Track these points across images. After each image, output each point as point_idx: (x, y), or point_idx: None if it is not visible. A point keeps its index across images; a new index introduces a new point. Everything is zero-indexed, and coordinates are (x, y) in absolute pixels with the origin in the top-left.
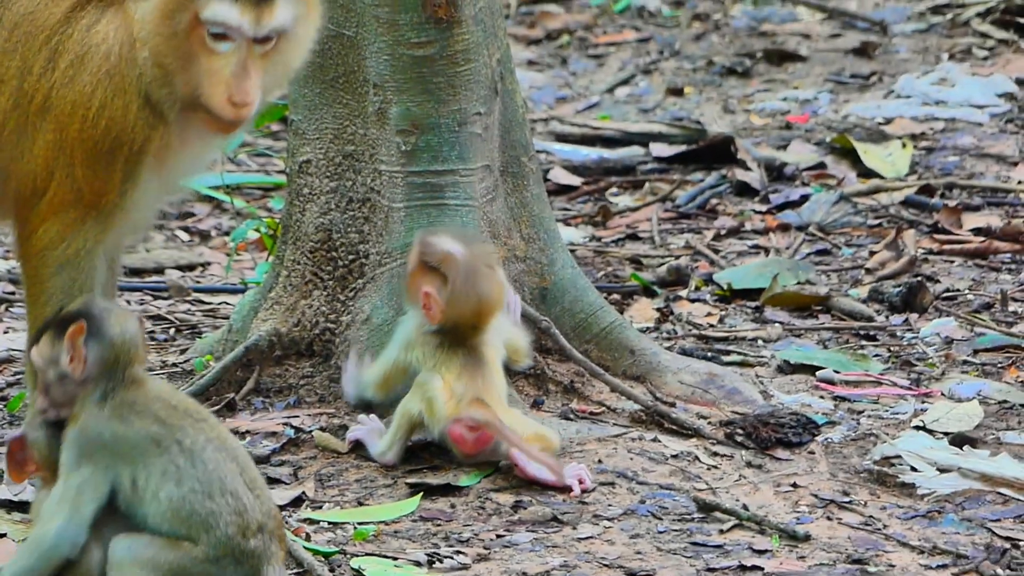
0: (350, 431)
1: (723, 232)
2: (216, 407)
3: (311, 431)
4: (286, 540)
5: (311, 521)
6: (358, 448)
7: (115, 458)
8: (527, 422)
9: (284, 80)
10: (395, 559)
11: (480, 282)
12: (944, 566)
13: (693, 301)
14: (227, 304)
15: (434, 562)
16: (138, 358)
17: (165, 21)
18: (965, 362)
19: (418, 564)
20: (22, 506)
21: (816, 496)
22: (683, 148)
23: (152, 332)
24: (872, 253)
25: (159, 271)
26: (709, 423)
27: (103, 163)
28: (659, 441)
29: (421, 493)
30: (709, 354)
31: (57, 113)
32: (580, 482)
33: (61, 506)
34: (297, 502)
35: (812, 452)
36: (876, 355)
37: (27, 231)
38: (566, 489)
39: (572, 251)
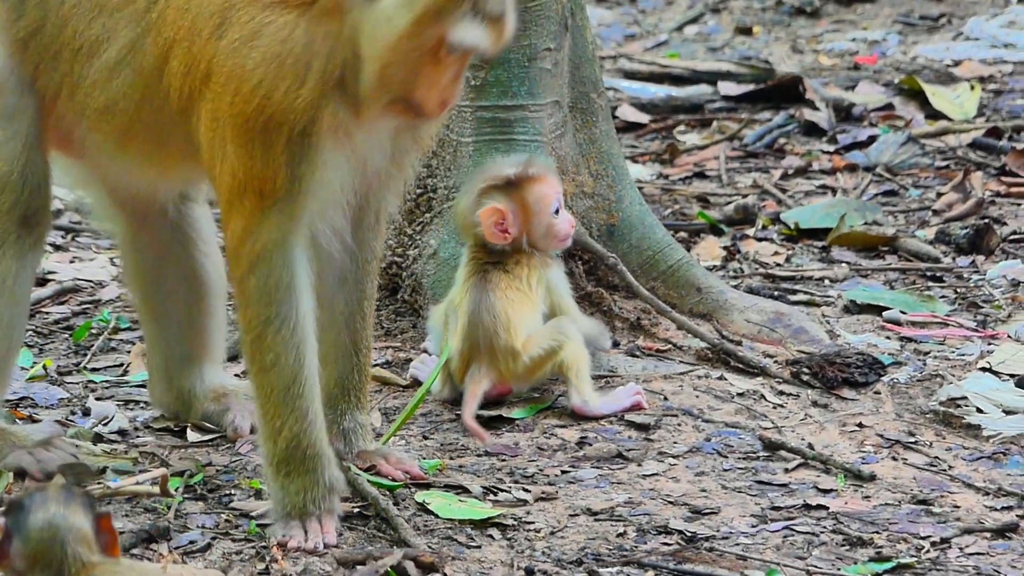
0: (411, 367)
1: (790, 171)
2: None
3: (376, 364)
4: None
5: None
6: (419, 384)
7: None
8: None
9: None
10: (459, 493)
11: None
12: (1009, 508)
13: (760, 240)
14: None
15: (498, 497)
16: (76, 548)
17: (409, 40)
18: None
19: (482, 499)
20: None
21: (881, 436)
22: (751, 87)
23: None
24: (939, 194)
25: None
26: (775, 362)
27: (258, 144)
28: (725, 379)
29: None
30: (776, 293)
31: (213, 83)
32: (638, 404)
33: None
34: None
35: (878, 392)
36: (943, 296)
37: (224, 227)
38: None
39: (640, 188)
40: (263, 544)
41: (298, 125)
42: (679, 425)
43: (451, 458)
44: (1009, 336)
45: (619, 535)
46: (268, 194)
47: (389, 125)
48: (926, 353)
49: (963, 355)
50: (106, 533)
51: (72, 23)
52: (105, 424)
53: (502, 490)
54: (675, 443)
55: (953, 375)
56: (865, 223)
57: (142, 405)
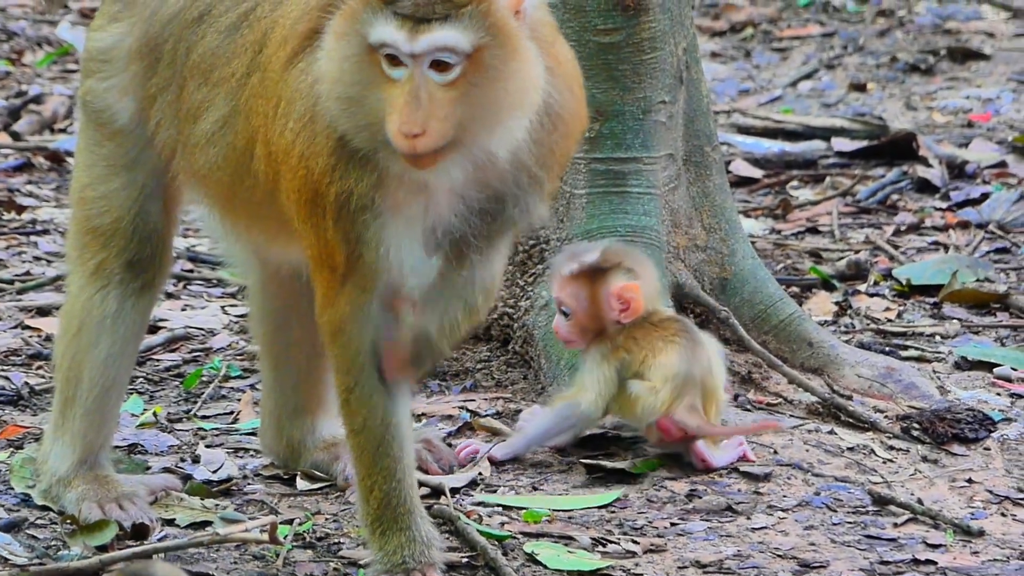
0: (521, 418)
1: (903, 228)
2: None
3: (487, 415)
4: None
5: (486, 504)
6: None
7: None
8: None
9: (498, 119)
10: (568, 544)
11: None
12: None
13: (872, 296)
14: None
15: (607, 548)
16: None
17: (340, 45)
18: None
19: (591, 550)
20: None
21: (991, 492)
22: (865, 143)
23: None
24: None
25: None
26: (886, 417)
27: (316, 216)
28: (835, 434)
29: (623, 490)
30: (887, 348)
31: (281, 162)
32: (744, 455)
33: None
34: (472, 485)
35: (988, 448)
36: None
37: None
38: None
39: (752, 243)
40: None
41: (335, 196)
42: (789, 479)
43: (561, 510)
44: None
45: None
46: (336, 268)
47: (446, 184)
48: None
49: None
50: None
51: (188, 86)
52: (215, 472)
53: (611, 541)
54: (784, 497)
55: None
56: (977, 280)
57: (252, 453)
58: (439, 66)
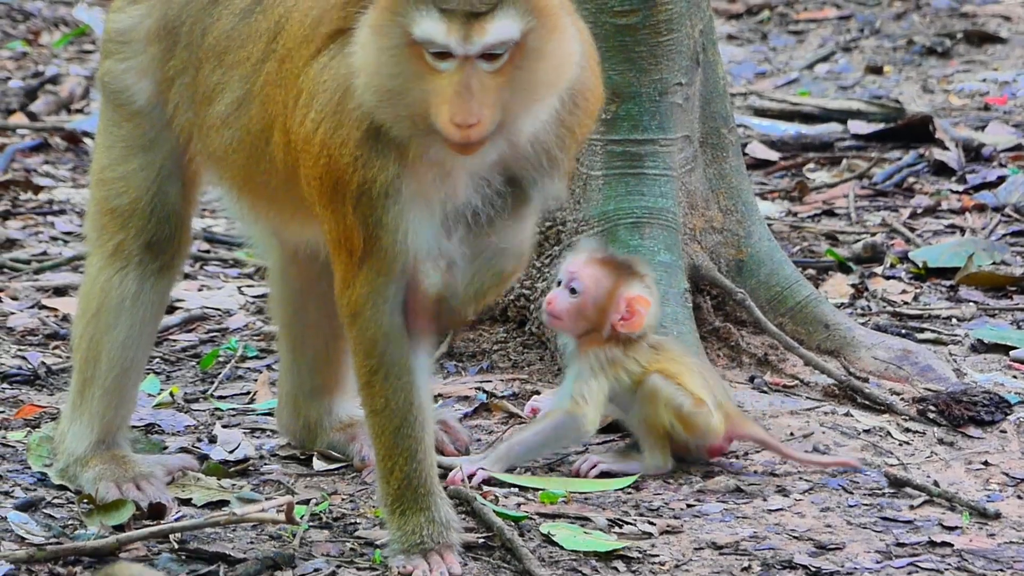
0: (532, 401)
1: (919, 211)
2: None
3: (503, 396)
4: None
5: (502, 485)
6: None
7: None
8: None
9: (538, 99)
10: (584, 525)
11: None
12: None
13: (888, 278)
14: None
15: (623, 529)
16: None
17: (378, 39)
18: None
19: (607, 531)
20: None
21: (1007, 475)
22: (881, 126)
23: None
24: None
25: None
26: (902, 399)
27: (336, 202)
28: (851, 416)
29: (636, 475)
30: (903, 331)
31: (301, 149)
32: None
33: None
34: None
35: (1004, 431)
36: None
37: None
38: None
39: (768, 225)
40: (388, 573)
41: (358, 184)
42: None
43: (576, 490)
44: None
45: (744, 569)
46: (355, 251)
47: (474, 168)
48: None
49: None
50: None
51: (203, 68)
52: (231, 452)
53: (627, 523)
54: (800, 478)
55: None
56: (993, 263)
57: (268, 433)
58: (489, 56)
